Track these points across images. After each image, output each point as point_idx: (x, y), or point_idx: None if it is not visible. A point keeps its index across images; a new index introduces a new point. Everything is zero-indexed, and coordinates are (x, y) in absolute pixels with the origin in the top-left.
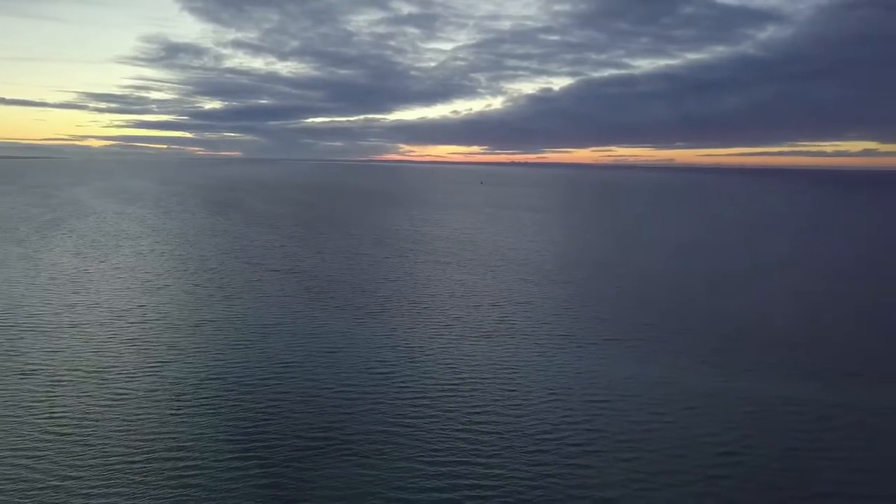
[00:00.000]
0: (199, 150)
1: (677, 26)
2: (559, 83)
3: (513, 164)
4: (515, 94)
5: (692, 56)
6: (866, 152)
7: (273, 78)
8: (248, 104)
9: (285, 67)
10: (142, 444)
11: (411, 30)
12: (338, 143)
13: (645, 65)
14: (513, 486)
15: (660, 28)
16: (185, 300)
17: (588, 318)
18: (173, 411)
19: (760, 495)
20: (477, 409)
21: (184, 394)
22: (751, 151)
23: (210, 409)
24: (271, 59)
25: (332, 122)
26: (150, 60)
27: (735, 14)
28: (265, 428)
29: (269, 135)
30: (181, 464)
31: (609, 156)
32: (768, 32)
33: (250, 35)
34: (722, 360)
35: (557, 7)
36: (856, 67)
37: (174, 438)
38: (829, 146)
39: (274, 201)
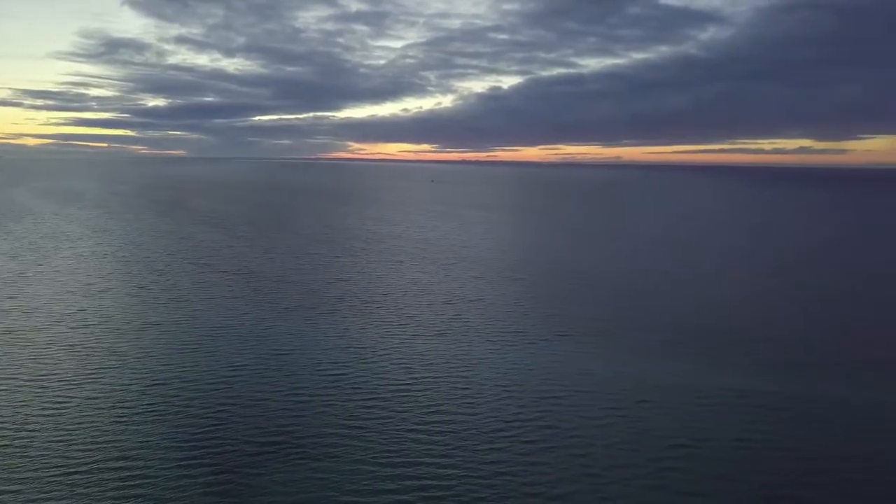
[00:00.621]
0: (142, 149)
1: (623, 26)
2: (509, 82)
3: (463, 162)
4: (465, 93)
5: (638, 56)
6: (802, 149)
7: (219, 75)
8: (193, 102)
9: (231, 64)
10: (83, 454)
11: (360, 27)
12: (286, 142)
13: (593, 64)
14: (467, 485)
15: (607, 28)
16: (128, 303)
17: (540, 315)
18: (116, 419)
19: (711, 487)
20: (430, 409)
21: (127, 400)
22: (694, 149)
23: (155, 416)
24: (217, 55)
25: (280, 119)
26: (90, 56)
27: (678, 15)
28: (213, 433)
29: (215, 133)
30: (125, 473)
31: (557, 154)
32: (710, 33)
33: (194, 31)
34: (672, 353)
35: (507, 6)
36: (793, 68)
37: (117, 447)
38: (767, 143)
39: (221, 200)
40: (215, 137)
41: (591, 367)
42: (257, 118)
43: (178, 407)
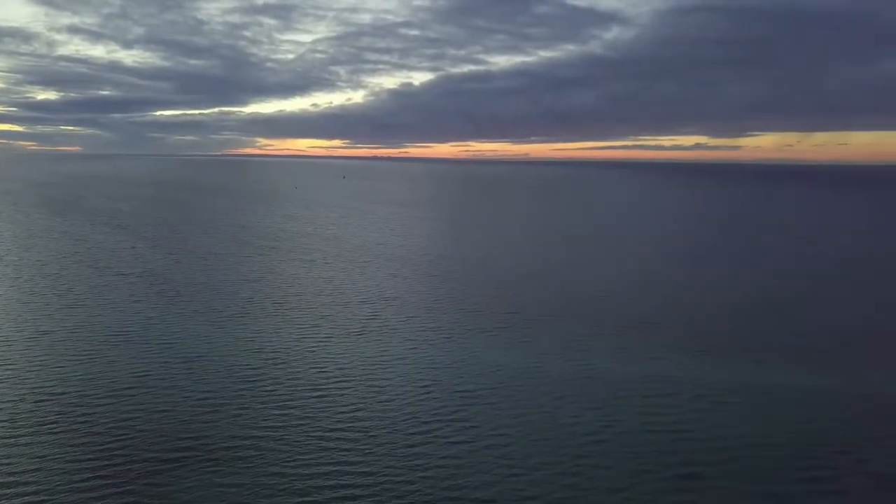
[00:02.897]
0: (31, 145)
1: (532, 25)
2: (420, 78)
3: (375, 158)
4: (376, 89)
5: (546, 54)
6: (698, 146)
7: (116, 67)
8: (88, 95)
9: (129, 56)
10: None
11: (267, 20)
12: (190, 138)
13: (502, 61)
14: (385, 486)
15: (515, 26)
16: (19, 310)
17: (456, 311)
18: (5, 438)
19: (623, 474)
20: (347, 410)
21: (17, 417)
22: (599, 146)
23: (49, 433)
24: (113, 46)
25: (182, 115)
26: None
27: (584, 15)
28: (116, 447)
29: (112, 128)
30: (23, 489)
31: (468, 151)
32: (613, 33)
33: (88, 20)
34: (583, 344)
35: (417, 2)
36: (691, 67)
37: (11, 465)
38: (666, 140)
39: (121, 199)
40: (113, 133)
41: (507, 361)
42: (158, 113)
43: (75, 421)
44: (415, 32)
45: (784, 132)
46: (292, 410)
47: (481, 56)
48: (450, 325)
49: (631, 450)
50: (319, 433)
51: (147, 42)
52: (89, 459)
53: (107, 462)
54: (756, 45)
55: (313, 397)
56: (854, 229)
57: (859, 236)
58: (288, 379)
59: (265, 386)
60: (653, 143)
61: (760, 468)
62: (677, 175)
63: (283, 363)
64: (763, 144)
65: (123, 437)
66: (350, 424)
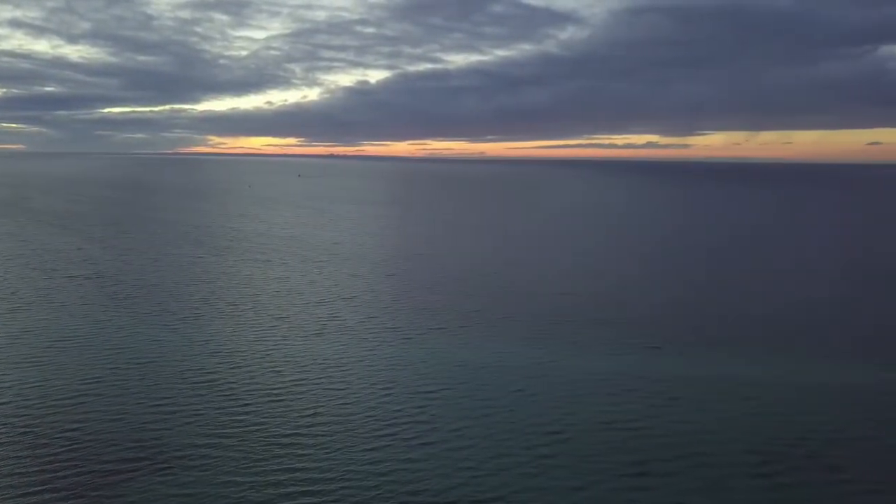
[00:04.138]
0: None
1: (488, 24)
2: (376, 76)
3: (331, 156)
4: (332, 86)
5: (502, 53)
6: (650, 144)
7: (61, 63)
8: (32, 92)
9: (75, 51)
10: None
11: (219, 16)
12: (140, 135)
13: (458, 60)
14: (345, 490)
15: (471, 25)
16: None
17: (414, 309)
18: None
19: (583, 470)
20: (305, 413)
21: None
22: (554, 144)
23: None
24: (58, 41)
25: (132, 112)
26: None
27: (540, 15)
28: (66, 454)
29: (58, 126)
30: None
31: (425, 149)
32: (568, 33)
33: (31, 14)
34: (541, 341)
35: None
36: (642, 67)
37: None
38: (619, 139)
39: (68, 199)
40: (58, 131)
41: (466, 358)
42: (106, 110)
43: (20, 431)
44: (371, 30)
45: (732, 131)
46: (248, 415)
47: (438, 55)
48: (408, 324)
49: (590, 446)
50: (276, 437)
51: (94, 37)
52: (36, 471)
53: (54, 473)
54: (703, 46)
55: (270, 400)
56: (799, 225)
57: (804, 232)
58: (244, 382)
59: (220, 390)
60: (606, 141)
61: (715, 462)
62: (630, 173)
63: (239, 366)
64: (712, 143)
65: (72, 445)
66: (308, 428)
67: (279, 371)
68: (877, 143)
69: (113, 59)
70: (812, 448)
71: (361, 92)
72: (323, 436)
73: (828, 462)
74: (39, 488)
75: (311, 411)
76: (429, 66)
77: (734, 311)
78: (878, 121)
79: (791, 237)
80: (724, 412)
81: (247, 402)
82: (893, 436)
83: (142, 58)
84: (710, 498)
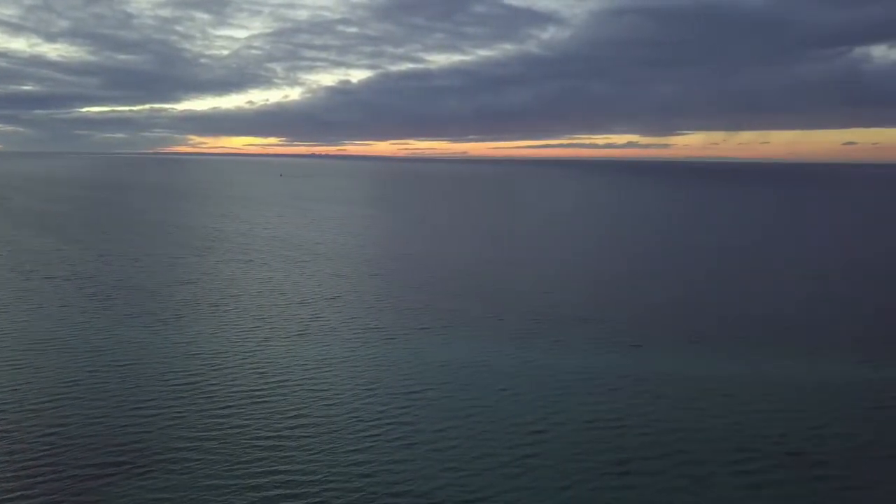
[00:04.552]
0: None
1: (470, 24)
2: (358, 76)
3: (313, 156)
4: (314, 86)
5: (483, 53)
6: (630, 144)
7: (39, 62)
8: (9, 91)
9: (54, 50)
10: None
11: (200, 15)
12: (119, 135)
13: (440, 60)
14: (329, 492)
15: (453, 25)
16: None
17: (398, 309)
18: None
19: (568, 470)
20: (289, 414)
21: None
22: (536, 144)
23: None
24: (36, 40)
25: (111, 111)
26: None
27: (521, 15)
28: (45, 459)
29: (36, 125)
30: None
31: (407, 149)
32: (550, 33)
33: (8, 12)
34: (524, 340)
35: None
36: (623, 67)
37: None
38: (600, 139)
39: (47, 199)
40: (36, 130)
41: (450, 358)
42: (85, 109)
43: None
44: (353, 30)
45: (711, 131)
46: (230, 417)
47: (420, 54)
48: (391, 324)
49: (574, 445)
50: (259, 439)
51: (72, 35)
52: (12, 476)
53: (32, 479)
54: (682, 47)
55: (252, 402)
56: (779, 224)
57: (785, 231)
58: (226, 384)
59: (202, 391)
60: (587, 141)
61: (698, 459)
62: (611, 173)
63: (221, 367)
64: (692, 143)
65: (50, 450)
66: (291, 430)
67: (262, 372)
68: (852, 143)
69: (92, 58)
70: (794, 445)
71: (343, 92)
72: (306, 437)
73: (810, 459)
74: (16, 494)
75: (294, 413)
76: (411, 65)
77: (716, 308)
78: (853, 121)
79: (771, 236)
80: (706, 410)
81: (229, 403)
82: (874, 433)
83: (121, 56)
84: (693, 495)
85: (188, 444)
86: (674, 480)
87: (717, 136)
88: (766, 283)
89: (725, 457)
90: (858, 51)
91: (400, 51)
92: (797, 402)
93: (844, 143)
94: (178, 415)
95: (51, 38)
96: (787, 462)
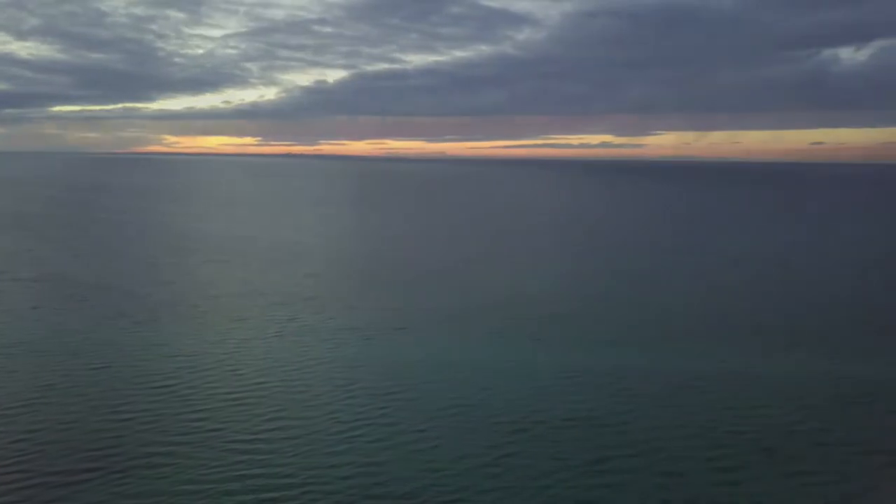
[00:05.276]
0: None
1: (445, 24)
2: (334, 75)
3: (288, 155)
4: (290, 85)
5: (459, 53)
6: (604, 144)
7: (8, 60)
8: None
9: (24, 48)
10: None
11: (175, 14)
12: (92, 135)
13: (416, 60)
14: (307, 494)
15: (429, 25)
16: None
17: (374, 309)
18: None
19: (544, 468)
20: (266, 416)
21: None
22: (511, 144)
23: None
24: (6, 38)
25: (84, 110)
26: None
27: (496, 16)
28: (16, 465)
29: (5, 124)
30: None
31: (383, 149)
32: (525, 34)
33: None
34: (501, 339)
35: None
36: (597, 68)
37: None
38: (574, 139)
39: (19, 200)
40: (6, 129)
41: (426, 358)
42: (57, 108)
43: None
44: (329, 30)
45: (683, 131)
46: (207, 420)
47: (395, 54)
48: (369, 323)
49: (552, 443)
50: (237, 440)
51: (44, 34)
52: None
53: (3, 486)
54: (655, 48)
55: (229, 404)
56: (753, 222)
57: (758, 229)
58: (203, 385)
59: (178, 394)
60: (562, 141)
61: (674, 455)
62: (585, 172)
63: (198, 368)
64: (664, 143)
65: (22, 455)
66: (268, 432)
67: (239, 374)
68: (820, 144)
69: (63, 57)
70: (769, 441)
71: (319, 91)
72: (284, 439)
73: (785, 454)
74: None
75: (272, 414)
76: (387, 65)
77: (686, 306)
78: (821, 122)
79: (745, 234)
80: (682, 407)
81: (205, 406)
82: (844, 428)
83: (94, 55)
84: (670, 491)
85: (164, 449)
86: (651, 477)
87: (689, 137)
88: (735, 279)
89: (701, 453)
90: (826, 53)
91: (376, 51)
92: (768, 397)
93: (812, 143)
94: (154, 418)
95: (21, 36)
96: (763, 458)
